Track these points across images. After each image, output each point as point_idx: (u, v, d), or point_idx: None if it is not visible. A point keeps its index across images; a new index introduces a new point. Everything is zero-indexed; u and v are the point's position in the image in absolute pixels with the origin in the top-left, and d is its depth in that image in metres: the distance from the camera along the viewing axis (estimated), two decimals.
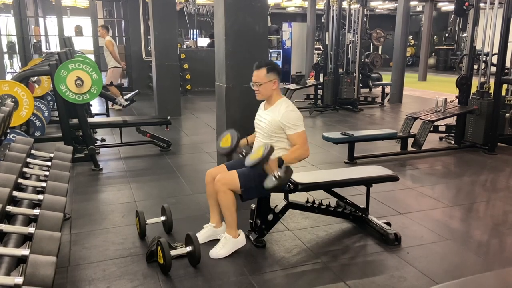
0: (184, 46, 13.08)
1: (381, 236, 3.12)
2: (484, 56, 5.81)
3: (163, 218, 3.20)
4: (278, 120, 2.88)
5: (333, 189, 3.33)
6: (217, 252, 2.81)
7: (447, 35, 20.27)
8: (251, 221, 3.07)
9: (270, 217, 3.00)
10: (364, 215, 3.33)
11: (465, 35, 6.29)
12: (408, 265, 2.80)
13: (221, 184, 2.79)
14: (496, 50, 5.51)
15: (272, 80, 2.93)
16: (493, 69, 5.61)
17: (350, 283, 2.59)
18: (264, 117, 3.00)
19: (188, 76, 11.15)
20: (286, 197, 3.08)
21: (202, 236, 3.04)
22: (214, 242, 2.99)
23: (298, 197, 3.24)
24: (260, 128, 3.04)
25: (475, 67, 6.07)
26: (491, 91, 5.63)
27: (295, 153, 2.88)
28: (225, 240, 2.85)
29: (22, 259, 1.81)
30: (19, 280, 1.61)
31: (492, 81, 5.63)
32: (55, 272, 1.69)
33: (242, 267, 2.76)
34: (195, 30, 16.40)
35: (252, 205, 3.03)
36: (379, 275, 2.69)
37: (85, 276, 2.65)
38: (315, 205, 3.21)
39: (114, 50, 8.63)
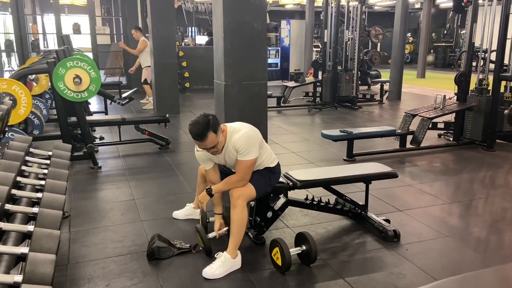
0: (183, 44, 13.05)
1: (380, 233, 3.12)
2: (483, 53, 5.81)
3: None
4: (233, 149, 2.68)
5: (332, 186, 3.33)
6: (213, 272, 2.61)
7: (445, 32, 20.27)
8: (251, 218, 3.07)
9: (269, 214, 3.00)
10: (363, 212, 3.33)
11: (463, 32, 6.30)
12: (407, 261, 2.81)
13: (241, 200, 2.67)
14: (494, 47, 5.51)
15: (221, 131, 2.67)
16: (492, 66, 5.61)
17: (350, 279, 2.59)
18: (224, 162, 2.84)
19: (186, 74, 11.13)
20: (285, 195, 3.08)
21: (182, 213, 3.43)
22: (193, 220, 3.34)
23: (297, 194, 3.24)
24: (231, 170, 2.92)
25: (474, 64, 6.07)
26: (490, 88, 5.63)
27: (227, 185, 2.74)
28: (224, 259, 2.66)
29: (22, 257, 1.81)
30: (18, 278, 1.62)
31: (490, 78, 5.63)
32: (55, 270, 1.69)
33: (241, 264, 2.76)
34: (193, 28, 16.36)
35: (251, 203, 3.03)
36: (378, 272, 2.70)
37: (84, 274, 2.65)
38: (314, 202, 3.21)
39: (143, 50, 8.72)
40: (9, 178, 2.23)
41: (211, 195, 2.78)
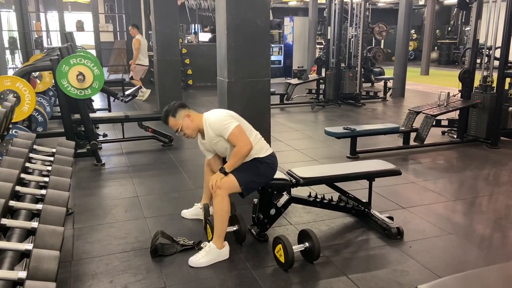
0: (186, 41, 13.05)
1: (383, 230, 3.12)
2: (487, 50, 5.77)
3: (235, 228, 3.00)
4: (215, 136, 2.80)
5: (335, 184, 3.32)
6: (197, 260, 2.70)
7: (449, 29, 20.16)
8: (254, 216, 3.07)
9: (273, 211, 3.00)
10: (366, 209, 3.33)
11: (468, 28, 6.26)
12: (411, 259, 2.80)
13: (221, 190, 2.70)
14: (499, 43, 5.48)
15: (184, 116, 2.84)
16: (496, 62, 5.58)
17: (353, 277, 2.59)
18: (211, 147, 2.95)
19: (189, 71, 11.12)
20: (288, 192, 3.08)
21: (190, 213, 3.39)
22: (199, 228, 3.22)
23: (300, 191, 3.23)
24: (213, 151, 3.00)
25: (478, 61, 6.04)
26: (494, 85, 5.61)
27: (235, 158, 2.73)
28: (208, 249, 2.74)
29: (26, 254, 1.81)
30: (22, 274, 1.62)
31: (495, 75, 5.60)
32: (59, 266, 1.70)
33: (244, 261, 2.77)
34: (196, 25, 16.35)
35: (254, 200, 3.03)
36: (381, 269, 2.70)
37: (88, 270, 2.66)
38: (318, 200, 3.20)
39: (139, 48, 8.88)
40: (13, 175, 2.23)
41: (225, 173, 2.74)
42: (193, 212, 3.39)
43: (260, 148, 2.88)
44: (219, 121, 2.77)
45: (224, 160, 3.04)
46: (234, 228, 2.97)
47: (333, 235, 3.17)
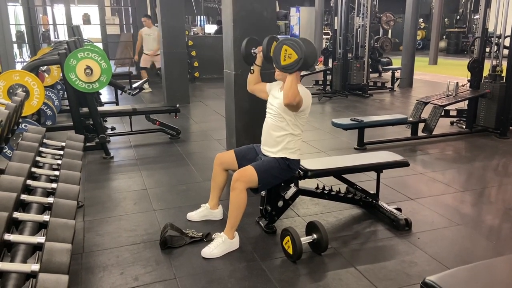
0: (192, 33, 13.01)
1: (391, 221, 3.12)
2: (497, 39, 5.71)
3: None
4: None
5: (343, 175, 3.32)
6: (210, 251, 2.73)
7: (458, 17, 19.91)
8: (262, 208, 3.09)
9: (280, 203, 3.02)
10: (374, 201, 3.33)
11: (477, 17, 6.19)
12: (419, 250, 2.80)
13: (240, 183, 2.72)
14: (508, 32, 5.40)
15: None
16: (506, 51, 5.51)
17: (361, 268, 2.60)
18: (277, 96, 2.93)
19: (196, 63, 11.11)
20: (296, 184, 3.09)
21: (197, 215, 3.24)
22: (207, 221, 3.20)
23: (308, 183, 3.24)
24: (271, 108, 2.97)
25: (487, 50, 5.97)
26: (504, 74, 5.54)
27: (294, 84, 2.72)
28: (220, 239, 2.77)
29: (38, 247, 1.84)
30: (35, 267, 1.64)
31: (504, 64, 5.54)
32: (71, 259, 1.72)
33: (252, 253, 2.79)
34: (202, 17, 16.29)
35: (262, 192, 3.05)
36: (389, 260, 2.70)
37: (99, 262, 2.70)
38: (325, 191, 3.21)
39: (139, 40, 9.39)
40: (24, 169, 2.26)
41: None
42: (202, 214, 3.24)
43: (295, 148, 2.93)
44: (304, 92, 2.86)
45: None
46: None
47: (341, 226, 3.18)
